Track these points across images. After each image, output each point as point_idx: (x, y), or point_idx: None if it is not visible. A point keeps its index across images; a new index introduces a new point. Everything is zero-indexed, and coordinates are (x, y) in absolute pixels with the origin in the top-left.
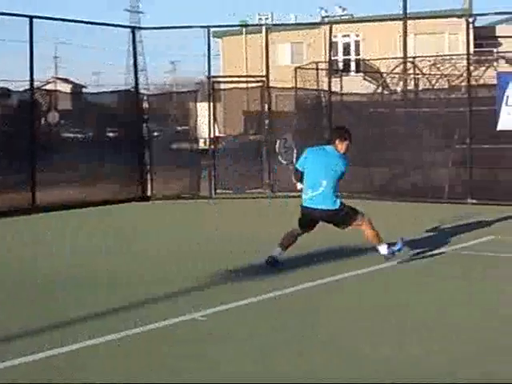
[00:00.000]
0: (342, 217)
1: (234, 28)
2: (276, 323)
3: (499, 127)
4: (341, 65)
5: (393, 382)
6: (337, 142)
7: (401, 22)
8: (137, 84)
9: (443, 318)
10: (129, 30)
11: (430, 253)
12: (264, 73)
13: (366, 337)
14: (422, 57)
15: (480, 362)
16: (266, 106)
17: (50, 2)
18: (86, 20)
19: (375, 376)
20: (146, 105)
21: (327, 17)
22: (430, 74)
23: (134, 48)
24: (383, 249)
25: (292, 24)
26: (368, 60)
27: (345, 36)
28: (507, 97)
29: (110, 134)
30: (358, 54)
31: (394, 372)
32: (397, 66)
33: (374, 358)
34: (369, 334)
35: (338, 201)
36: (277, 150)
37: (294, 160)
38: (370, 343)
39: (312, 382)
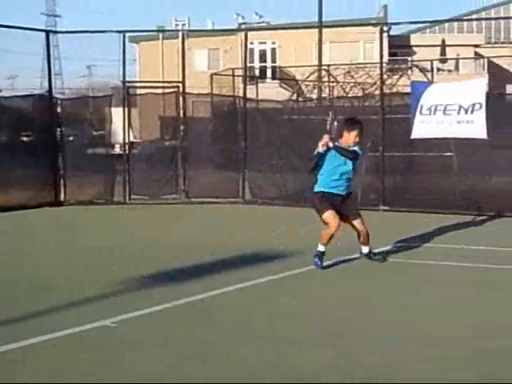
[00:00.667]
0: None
1: (151, 33)
2: (189, 329)
3: (413, 136)
4: (257, 71)
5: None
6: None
7: (316, 30)
8: (50, 88)
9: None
10: (43, 33)
11: (338, 258)
12: (180, 78)
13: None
14: (336, 65)
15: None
16: (182, 112)
17: None
18: (1, 23)
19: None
20: (59, 109)
21: (244, 23)
22: (344, 82)
23: (48, 52)
24: (319, 247)
25: (209, 30)
26: (284, 67)
27: (261, 43)
28: (421, 106)
29: (24, 139)
30: (274, 61)
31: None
32: (311, 74)
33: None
34: (270, 341)
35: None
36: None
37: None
38: (273, 351)
39: None
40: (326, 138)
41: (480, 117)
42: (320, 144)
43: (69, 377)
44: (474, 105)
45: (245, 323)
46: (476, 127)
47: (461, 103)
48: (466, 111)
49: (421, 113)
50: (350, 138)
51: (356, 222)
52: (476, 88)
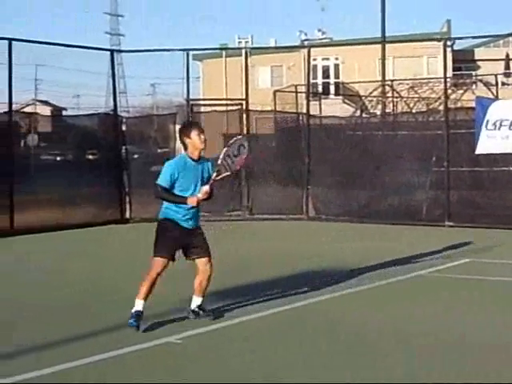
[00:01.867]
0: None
1: (214, 51)
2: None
3: (478, 151)
4: (320, 88)
5: None
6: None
7: (379, 46)
8: (115, 106)
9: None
10: (108, 52)
11: (404, 276)
12: (243, 95)
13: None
14: (400, 80)
15: None
16: (245, 129)
17: (31, 25)
18: (66, 43)
19: None
20: (124, 127)
21: (307, 40)
22: (408, 97)
23: (113, 70)
24: (137, 305)
25: (272, 47)
26: (347, 83)
27: (324, 59)
28: (487, 121)
29: (90, 157)
30: (338, 77)
31: None
32: (375, 89)
33: None
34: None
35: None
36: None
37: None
38: None
39: None
40: (204, 195)
41: None
42: (194, 201)
43: None
44: None
45: (310, 342)
46: None
47: None
48: None
49: (486, 128)
50: (196, 143)
51: (202, 261)
52: None
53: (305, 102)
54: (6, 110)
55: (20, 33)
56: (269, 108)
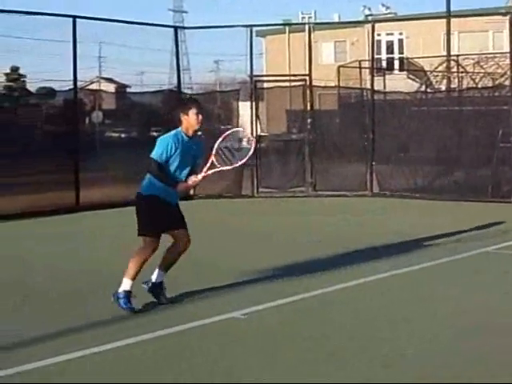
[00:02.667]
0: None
1: (277, 27)
2: (320, 322)
3: None
4: (384, 63)
5: None
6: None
7: (444, 20)
8: (179, 83)
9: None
10: (172, 29)
11: (469, 253)
12: (307, 71)
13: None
14: (465, 55)
15: None
16: (309, 105)
17: (94, 2)
18: (130, 20)
19: None
20: None
21: (370, 15)
22: (473, 72)
23: (177, 47)
24: (125, 285)
25: (335, 23)
26: (411, 58)
27: (388, 34)
28: None
29: (154, 134)
30: (402, 53)
31: None
32: (440, 65)
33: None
34: None
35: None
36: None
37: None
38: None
39: None
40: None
41: None
42: (181, 189)
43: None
44: None
45: (367, 320)
46: None
47: None
48: None
49: None
50: (191, 121)
51: (181, 233)
52: None
53: (369, 78)
54: (71, 87)
55: (84, 10)
56: (332, 84)
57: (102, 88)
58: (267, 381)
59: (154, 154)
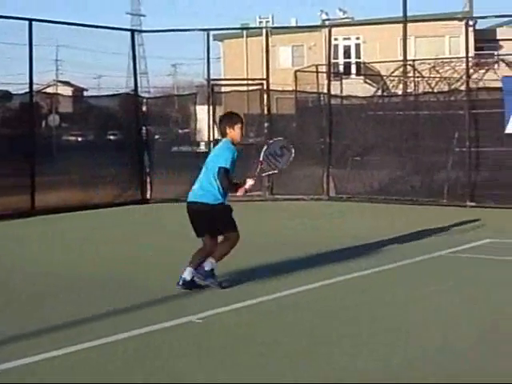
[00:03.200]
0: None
1: (235, 31)
2: (267, 327)
3: (509, 130)
4: (341, 68)
5: None
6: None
7: (401, 25)
8: (136, 87)
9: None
10: (129, 32)
11: (425, 256)
12: (264, 75)
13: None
14: (421, 59)
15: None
16: (266, 109)
17: (51, 5)
18: (87, 23)
19: None
20: (145, 108)
21: (328, 20)
22: (429, 77)
23: (134, 51)
24: (208, 265)
25: (293, 27)
26: (368, 63)
27: (345, 39)
28: None
29: (111, 137)
30: (359, 57)
31: None
32: (396, 69)
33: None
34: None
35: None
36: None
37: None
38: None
39: None
40: (249, 187)
41: None
42: (242, 192)
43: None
44: None
45: (327, 321)
46: None
47: None
48: None
49: None
50: (236, 135)
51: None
52: None
53: (326, 82)
54: (28, 90)
55: (41, 13)
56: (290, 88)
57: (58, 91)
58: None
59: (224, 163)
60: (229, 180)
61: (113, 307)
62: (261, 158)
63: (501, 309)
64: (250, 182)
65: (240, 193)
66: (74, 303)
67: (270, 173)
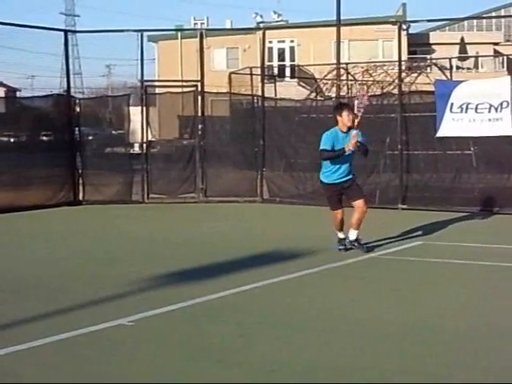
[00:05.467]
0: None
1: (169, 32)
2: (203, 328)
3: (440, 133)
4: (276, 70)
5: None
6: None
7: (335, 29)
8: (69, 87)
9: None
10: (62, 33)
11: (356, 258)
12: (199, 77)
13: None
14: (354, 63)
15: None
16: (200, 111)
17: None
18: (20, 23)
19: None
20: (78, 108)
21: (262, 22)
22: (362, 80)
23: (66, 51)
24: (340, 235)
25: (227, 29)
26: (302, 66)
27: (280, 42)
28: (451, 104)
29: (44, 138)
30: (293, 60)
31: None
32: (330, 72)
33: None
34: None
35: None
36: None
37: None
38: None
39: None
40: (354, 139)
41: (507, 114)
42: (350, 146)
43: (77, 375)
44: (502, 103)
45: (258, 322)
46: (504, 125)
47: (490, 101)
48: (496, 109)
49: (451, 111)
50: (344, 121)
51: (358, 203)
52: (503, 86)
53: (260, 85)
54: None
55: None
56: (224, 90)
57: None
58: None
59: (322, 146)
60: (329, 154)
61: (37, 312)
62: (355, 111)
63: (429, 308)
64: (353, 132)
65: (347, 147)
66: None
67: (361, 111)
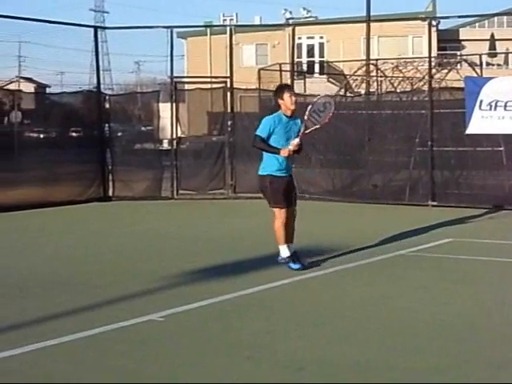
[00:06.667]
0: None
1: (199, 29)
2: (236, 323)
3: (469, 131)
4: (305, 66)
5: None
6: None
7: (364, 25)
8: (99, 84)
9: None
10: (92, 29)
11: (387, 255)
12: (228, 73)
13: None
14: (384, 59)
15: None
16: (229, 107)
17: (14, 0)
18: (50, 19)
19: None
20: (108, 105)
21: (292, 19)
22: (392, 77)
23: (96, 47)
24: (283, 252)
25: (256, 25)
26: (332, 62)
27: (309, 38)
28: (481, 101)
29: (73, 134)
30: (322, 56)
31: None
32: (359, 68)
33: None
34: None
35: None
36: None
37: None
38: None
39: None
40: (294, 147)
41: None
42: (286, 152)
43: (112, 372)
44: None
45: (287, 318)
46: None
47: None
48: None
49: (480, 108)
50: (287, 104)
51: (292, 213)
52: None
53: (289, 81)
54: None
55: (3, 9)
56: (253, 86)
57: (21, 88)
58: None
59: (258, 131)
60: (263, 143)
61: (69, 308)
62: (305, 117)
63: (463, 305)
64: (294, 141)
65: (283, 151)
66: (32, 303)
67: (313, 128)
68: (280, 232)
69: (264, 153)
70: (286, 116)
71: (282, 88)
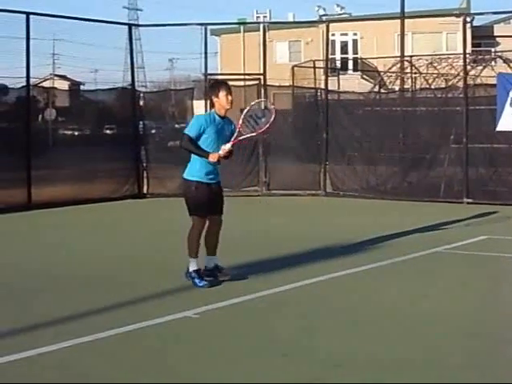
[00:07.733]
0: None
1: (232, 26)
2: (270, 322)
3: (499, 128)
4: (338, 63)
5: None
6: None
7: (398, 21)
8: (133, 81)
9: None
10: (126, 26)
11: (421, 252)
12: (261, 71)
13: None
14: (419, 55)
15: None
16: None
17: None
18: (84, 17)
19: None
20: (142, 102)
21: (325, 15)
22: (427, 73)
23: (131, 45)
24: (191, 265)
25: (290, 22)
26: (365, 59)
27: (343, 34)
28: (511, 98)
29: (107, 132)
30: (356, 53)
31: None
32: (393, 65)
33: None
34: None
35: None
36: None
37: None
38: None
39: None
40: (225, 153)
41: None
42: (215, 157)
43: (150, 368)
44: None
45: (323, 316)
46: None
47: None
48: None
49: (511, 105)
50: (222, 102)
51: (217, 222)
52: None
53: (323, 78)
54: (24, 84)
55: (38, 6)
56: (287, 83)
57: (55, 85)
58: (217, 380)
59: (187, 130)
60: (191, 145)
61: (104, 304)
62: (240, 121)
63: (502, 303)
64: (226, 146)
65: (211, 157)
66: (67, 300)
67: (248, 136)
68: (193, 243)
69: (192, 155)
70: (219, 116)
71: (218, 85)
